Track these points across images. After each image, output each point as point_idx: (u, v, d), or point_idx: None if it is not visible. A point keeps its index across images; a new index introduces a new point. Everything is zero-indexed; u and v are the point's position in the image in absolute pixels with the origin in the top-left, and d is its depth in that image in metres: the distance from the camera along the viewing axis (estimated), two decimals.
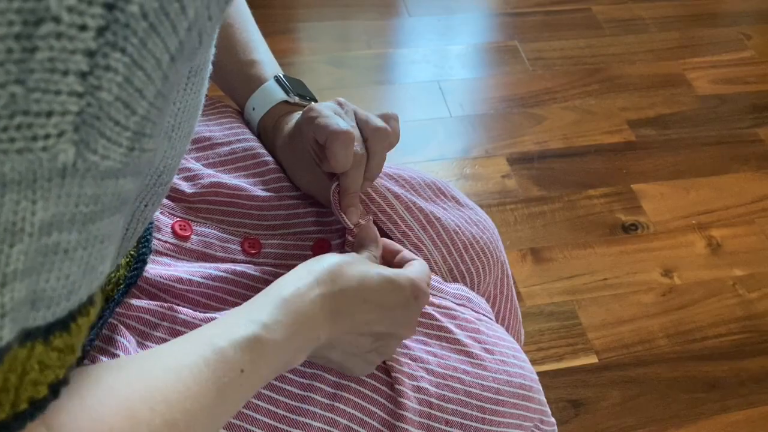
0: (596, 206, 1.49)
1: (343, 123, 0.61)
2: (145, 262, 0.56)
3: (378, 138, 0.63)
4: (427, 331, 0.64)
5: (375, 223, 0.66)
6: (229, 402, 0.45)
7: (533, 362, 1.27)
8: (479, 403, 0.61)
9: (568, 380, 1.23)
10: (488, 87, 1.72)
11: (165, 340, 0.57)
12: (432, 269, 0.69)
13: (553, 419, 0.71)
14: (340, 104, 0.66)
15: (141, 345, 0.57)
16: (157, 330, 0.57)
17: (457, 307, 0.67)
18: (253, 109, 0.72)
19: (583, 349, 1.27)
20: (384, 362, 0.60)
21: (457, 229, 0.72)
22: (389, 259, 0.62)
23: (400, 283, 0.54)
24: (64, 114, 0.23)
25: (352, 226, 0.63)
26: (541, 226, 1.45)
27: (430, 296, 0.63)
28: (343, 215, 0.63)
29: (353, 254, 0.57)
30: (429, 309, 0.65)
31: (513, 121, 1.64)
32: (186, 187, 0.66)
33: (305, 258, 0.66)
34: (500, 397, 0.62)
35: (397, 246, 0.63)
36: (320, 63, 1.72)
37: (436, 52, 1.78)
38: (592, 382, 1.24)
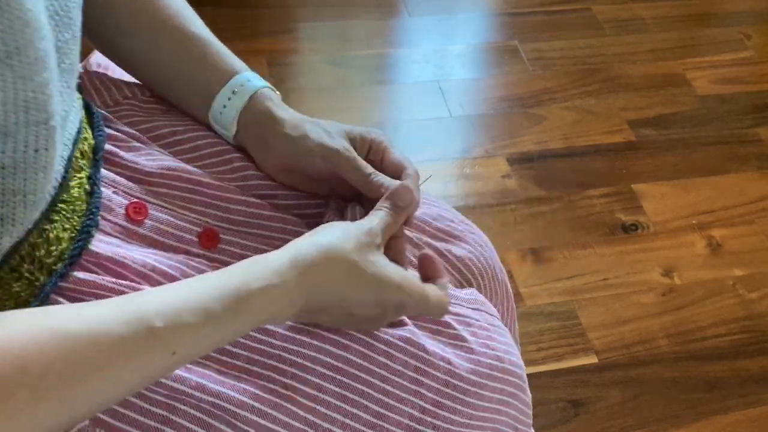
0: (596, 206, 1.49)
1: (391, 179, 0.62)
2: (90, 235, 0.54)
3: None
4: (442, 339, 0.63)
5: None
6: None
7: (533, 362, 1.27)
8: (463, 396, 0.61)
9: (568, 380, 1.23)
10: (488, 87, 1.72)
11: None
12: None
13: (532, 430, 0.71)
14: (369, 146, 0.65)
15: None
16: None
17: (472, 312, 0.67)
18: (224, 107, 0.65)
19: (583, 349, 1.27)
20: None
21: (468, 262, 0.72)
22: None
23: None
24: None
25: None
26: (541, 226, 1.45)
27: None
28: None
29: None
30: (446, 317, 0.64)
31: (513, 121, 1.64)
32: (144, 162, 0.62)
33: None
34: (483, 381, 0.63)
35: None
36: (320, 63, 1.72)
37: (436, 52, 1.78)
38: (592, 382, 1.24)
